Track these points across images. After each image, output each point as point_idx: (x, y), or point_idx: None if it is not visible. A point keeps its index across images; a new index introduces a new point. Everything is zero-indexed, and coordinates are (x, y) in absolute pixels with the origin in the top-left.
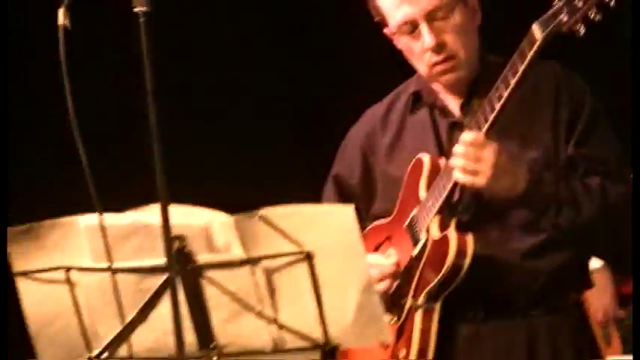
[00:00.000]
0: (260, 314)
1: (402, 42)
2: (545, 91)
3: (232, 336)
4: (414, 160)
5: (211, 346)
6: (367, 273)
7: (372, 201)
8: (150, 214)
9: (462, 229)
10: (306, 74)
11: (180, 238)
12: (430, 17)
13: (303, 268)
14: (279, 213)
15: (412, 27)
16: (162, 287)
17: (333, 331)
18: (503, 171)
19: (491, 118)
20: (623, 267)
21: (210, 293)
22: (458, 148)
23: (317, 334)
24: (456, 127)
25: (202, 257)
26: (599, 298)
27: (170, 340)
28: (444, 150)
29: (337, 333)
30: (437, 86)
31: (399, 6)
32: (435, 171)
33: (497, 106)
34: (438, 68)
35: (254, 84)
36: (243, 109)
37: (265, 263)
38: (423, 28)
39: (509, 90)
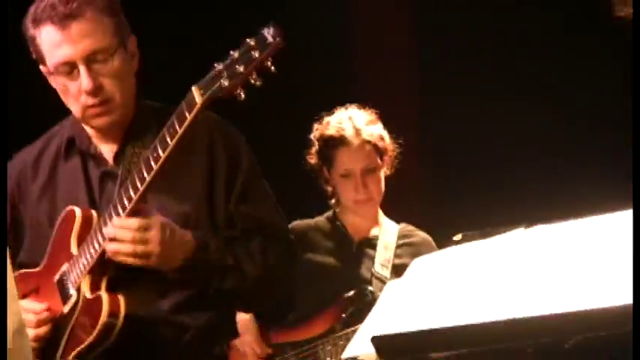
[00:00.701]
0: None
1: (57, 81)
2: (198, 142)
3: None
4: (64, 211)
5: None
6: (19, 315)
7: (19, 249)
8: None
9: (113, 286)
10: None
11: None
12: (89, 60)
13: None
14: None
15: (70, 68)
16: None
17: None
18: (170, 246)
19: (140, 189)
20: (271, 318)
21: None
22: (122, 234)
23: None
24: (109, 176)
25: None
26: (245, 342)
27: None
28: (95, 200)
29: None
30: (91, 132)
31: (60, 46)
32: (86, 225)
33: (155, 168)
34: (92, 111)
35: None
36: None
37: None
38: (82, 70)
39: (167, 151)
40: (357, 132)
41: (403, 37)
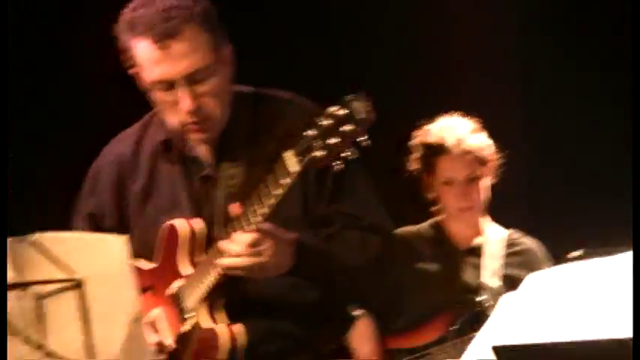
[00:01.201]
0: (27, 339)
1: (154, 95)
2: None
3: None
4: (167, 225)
5: None
6: (137, 302)
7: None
8: None
9: (231, 316)
10: None
11: None
12: (189, 80)
13: (73, 295)
14: (52, 238)
15: (168, 85)
16: None
17: None
18: (275, 256)
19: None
20: (387, 322)
21: None
22: (237, 248)
23: None
24: (208, 181)
25: None
26: (361, 348)
27: None
28: (196, 203)
29: None
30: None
31: (158, 64)
32: (192, 240)
33: (253, 223)
34: (191, 127)
35: None
36: None
37: (35, 288)
38: (182, 90)
39: (264, 210)
40: (459, 141)
41: (509, 43)
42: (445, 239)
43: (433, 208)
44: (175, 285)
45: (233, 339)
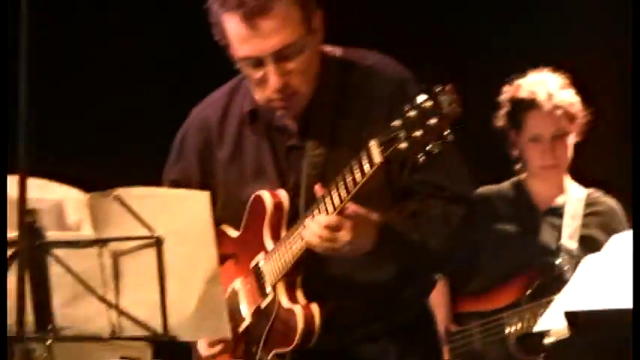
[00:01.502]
0: (102, 298)
1: (242, 69)
2: (378, 111)
3: (71, 319)
4: (254, 195)
5: (49, 328)
6: (214, 263)
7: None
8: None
9: (308, 293)
10: None
11: (32, 212)
12: (278, 57)
13: (151, 253)
14: (134, 194)
15: (257, 62)
16: (9, 261)
17: (172, 322)
18: (356, 237)
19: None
20: (460, 284)
21: (55, 272)
22: (316, 229)
23: (156, 324)
24: (294, 149)
25: (52, 234)
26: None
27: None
28: (282, 173)
29: (177, 324)
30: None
31: (247, 41)
32: (277, 212)
33: (334, 212)
34: (277, 104)
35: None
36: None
37: (114, 245)
38: (270, 68)
39: (346, 200)
40: (550, 96)
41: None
42: (526, 199)
43: (517, 167)
44: (259, 258)
45: (310, 322)
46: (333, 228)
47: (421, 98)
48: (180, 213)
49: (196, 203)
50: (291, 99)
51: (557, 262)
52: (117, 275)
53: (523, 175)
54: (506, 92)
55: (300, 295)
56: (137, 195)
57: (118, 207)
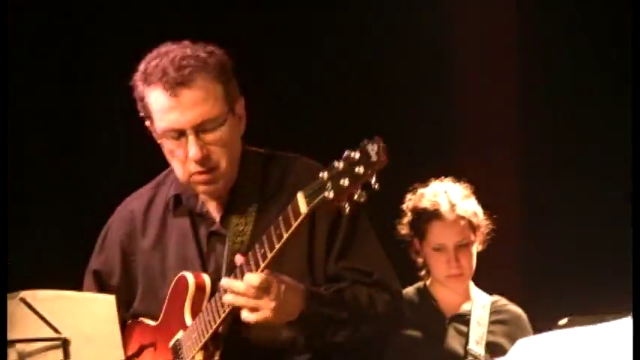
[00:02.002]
0: None
1: (164, 144)
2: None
3: None
4: (177, 277)
5: None
6: None
7: (131, 299)
8: None
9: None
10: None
11: None
12: (198, 129)
13: (58, 354)
14: (39, 297)
15: (178, 134)
16: None
17: None
18: (285, 299)
19: (262, 266)
20: None
21: None
22: (242, 288)
23: None
24: (216, 236)
25: None
26: None
27: None
28: (204, 258)
29: None
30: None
31: (169, 112)
32: (199, 293)
33: (262, 265)
34: (198, 178)
35: None
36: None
37: (20, 347)
38: (190, 139)
39: (273, 252)
40: (452, 207)
41: (509, 110)
42: (431, 305)
43: (420, 273)
44: (177, 336)
45: None
46: (262, 288)
47: (349, 152)
48: (86, 315)
49: (103, 306)
50: (212, 173)
51: None
52: None
53: (428, 281)
54: (409, 201)
55: None
56: (43, 297)
57: (23, 309)
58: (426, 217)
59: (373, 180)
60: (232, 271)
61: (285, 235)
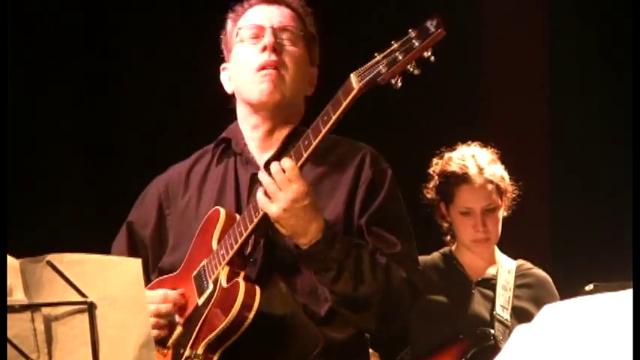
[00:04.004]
0: None
1: (237, 52)
2: (348, 169)
3: None
4: (210, 212)
5: None
6: (148, 328)
7: (161, 254)
8: None
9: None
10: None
11: None
12: (278, 31)
13: (84, 318)
14: (66, 260)
15: (257, 34)
16: None
17: None
18: (300, 212)
19: (305, 155)
20: (390, 355)
21: None
22: (274, 169)
23: None
24: (257, 178)
25: None
26: None
27: None
28: (241, 202)
29: None
30: (249, 134)
31: (258, 13)
32: (229, 223)
33: (305, 155)
34: (263, 72)
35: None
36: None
37: (46, 310)
38: (267, 31)
39: (318, 138)
40: (480, 170)
41: (535, 76)
42: (457, 270)
43: (445, 238)
44: (202, 263)
45: (251, 295)
46: (289, 176)
47: (409, 31)
48: (112, 279)
49: (129, 269)
50: (277, 72)
51: (492, 331)
52: (50, 340)
53: (453, 246)
54: (436, 165)
55: (242, 275)
56: (69, 261)
57: (50, 272)
58: (453, 181)
59: (429, 53)
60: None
61: (333, 117)
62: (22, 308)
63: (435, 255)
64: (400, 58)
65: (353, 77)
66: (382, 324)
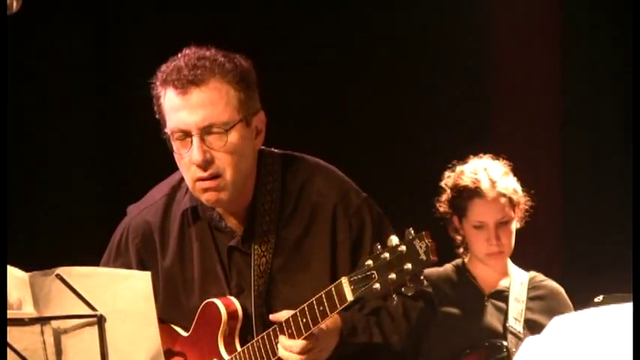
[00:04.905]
0: None
1: (174, 146)
2: (322, 223)
3: None
4: (205, 303)
5: None
6: (157, 342)
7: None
8: None
9: None
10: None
11: None
12: (204, 132)
13: (93, 331)
14: (75, 273)
15: (184, 136)
16: None
17: None
18: (325, 347)
19: (305, 334)
20: None
21: None
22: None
23: None
24: (236, 250)
25: None
26: None
27: None
28: (226, 271)
29: None
30: None
31: (177, 111)
32: (232, 321)
33: (304, 334)
34: (201, 184)
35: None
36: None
37: (56, 323)
38: (194, 141)
39: (317, 326)
40: (493, 184)
41: (548, 86)
42: (470, 282)
43: (458, 250)
44: None
45: None
46: (306, 351)
47: (395, 241)
48: (122, 292)
49: (138, 283)
50: (214, 180)
51: (505, 343)
52: (59, 353)
53: (466, 259)
54: (448, 178)
55: None
56: (78, 274)
57: (59, 286)
58: (466, 195)
59: (422, 276)
60: (259, 293)
61: (330, 315)
62: (32, 321)
63: (448, 267)
64: (393, 278)
65: (346, 285)
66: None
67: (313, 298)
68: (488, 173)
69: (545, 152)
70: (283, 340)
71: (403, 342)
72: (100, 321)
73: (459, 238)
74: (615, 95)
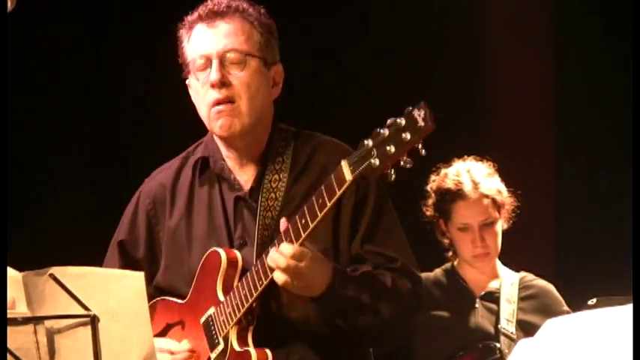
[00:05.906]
0: None
1: (193, 85)
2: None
3: None
4: (209, 252)
5: None
6: (150, 342)
7: (155, 271)
8: None
9: (259, 340)
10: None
11: None
12: (224, 57)
13: (87, 331)
14: (69, 273)
15: (205, 64)
16: None
17: None
18: (313, 273)
19: (304, 235)
20: None
21: None
22: (279, 261)
23: None
24: (243, 202)
25: None
26: None
27: None
28: (230, 224)
29: None
30: (225, 152)
31: (203, 40)
32: (231, 269)
33: (303, 235)
34: (216, 109)
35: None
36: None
37: (49, 323)
38: (214, 63)
39: (315, 222)
40: (475, 185)
41: (538, 84)
42: (460, 285)
43: (447, 254)
44: (209, 312)
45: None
46: (297, 258)
47: (393, 119)
48: (115, 292)
49: (131, 282)
50: (229, 105)
51: (498, 345)
52: (52, 353)
53: (455, 262)
54: (433, 182)
55: (251, 339)
56: (72, 274)
57: (53, 285)
58: (449, 198)
59: (420, 146)
60: (263, 245)
61: (329, 204)
62: (25, 321)
63: (437, 271)
64: (392, 151)
65: (345, 166)
66: (394, 339)
67: (313, 195)
68: (471, 175)
69: (537, 153)
70: (280, 247)
71: (390, 313)
72: (94, 321)
73: (446, 241)
74: (608, 96)
